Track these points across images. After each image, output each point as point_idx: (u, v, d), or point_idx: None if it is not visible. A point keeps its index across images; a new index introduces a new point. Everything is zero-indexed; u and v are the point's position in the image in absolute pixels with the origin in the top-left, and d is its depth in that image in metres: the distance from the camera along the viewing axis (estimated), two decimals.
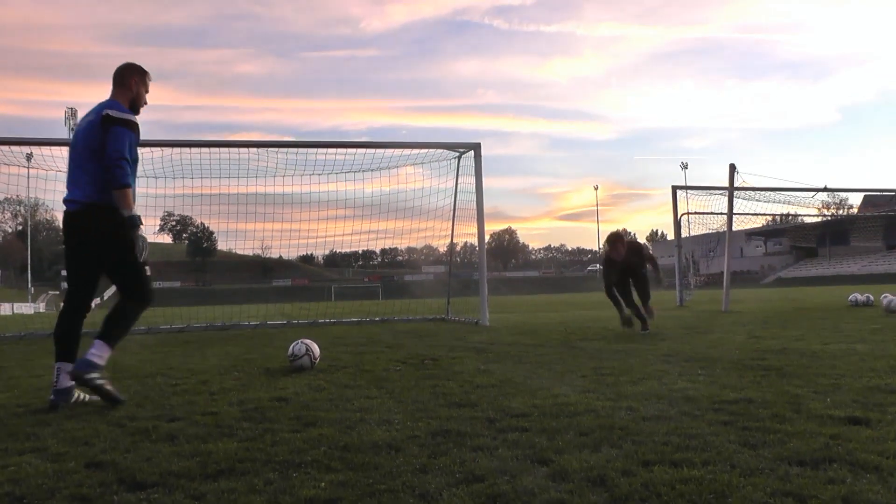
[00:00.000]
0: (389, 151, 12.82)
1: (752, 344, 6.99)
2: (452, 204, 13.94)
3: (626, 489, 2.41)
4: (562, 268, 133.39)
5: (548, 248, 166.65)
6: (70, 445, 3.22)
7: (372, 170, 13.35)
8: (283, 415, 3.80)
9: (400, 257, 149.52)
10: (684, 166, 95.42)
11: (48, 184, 11.84)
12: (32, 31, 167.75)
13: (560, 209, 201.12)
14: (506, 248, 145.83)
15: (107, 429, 3.56)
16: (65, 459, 2.98)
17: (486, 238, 12.79)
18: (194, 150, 11.97)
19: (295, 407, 4.02)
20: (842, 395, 3.89)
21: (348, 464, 2.80)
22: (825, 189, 17.32)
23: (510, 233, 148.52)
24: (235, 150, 12.17)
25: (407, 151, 12.92)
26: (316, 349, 5.91)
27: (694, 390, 4.20)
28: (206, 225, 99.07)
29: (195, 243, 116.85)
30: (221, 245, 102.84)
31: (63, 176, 4.71)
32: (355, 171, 13.31)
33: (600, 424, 3.34)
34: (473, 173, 12.52)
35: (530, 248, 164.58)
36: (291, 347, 5.92)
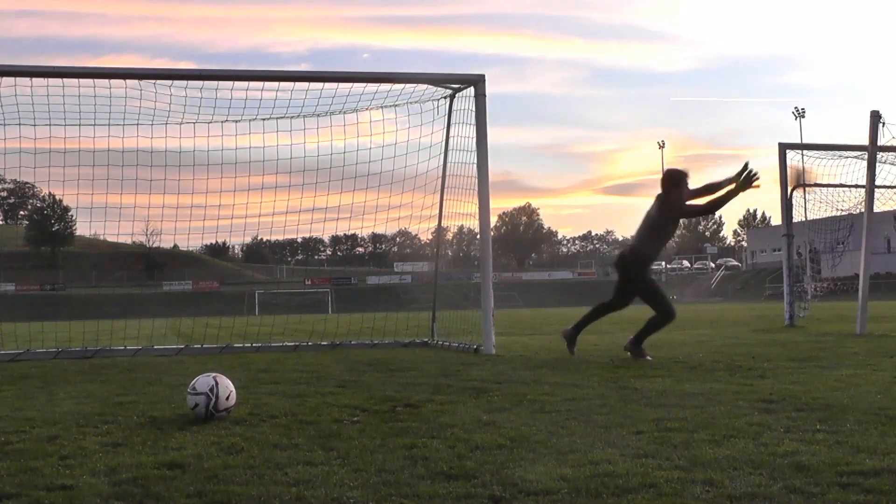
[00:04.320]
0: (344, 87, 12.77)
1: None
2: (441, 168, 13.94)
3: None
4: (608, 266, 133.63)
5: (587, 237, 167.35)
6: None
7: (318, 115, 13.31)
8: (178, 490, 3.79)
9: (361, 249, 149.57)
10: (798, 114, 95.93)
11: None
12: None
13: (605, 177, 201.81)
14: (523, 235, 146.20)
15: None
16: None
17: (493, 220, 12.79)
18: (37, 80, 11.88)
19: (195, 478, 4.02)
20: None
21: None
22: None
23: (529, 212, 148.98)
24: (103, 81, 12.09)
25: (371, 87, 12.88)
26: (226, 389, 5.89)
27: (810, 455, 4.23)
28: (56, 197, 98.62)
29: (39, 225, 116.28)
30: (82, 228, 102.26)
31: None
32: (291, 118, 13.27)
33: None
34: (473, 121, 12.51)
35: (560, 235, 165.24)
36: (193, 382, 5.91)
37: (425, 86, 13.05)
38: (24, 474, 4.17)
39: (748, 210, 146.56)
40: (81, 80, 11.96)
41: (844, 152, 18.83)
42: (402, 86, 12.93)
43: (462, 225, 15.67)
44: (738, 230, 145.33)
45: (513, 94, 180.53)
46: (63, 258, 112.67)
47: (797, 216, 21.23)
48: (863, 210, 16.32)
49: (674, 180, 10.51)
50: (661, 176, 10.78)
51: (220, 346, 13.78)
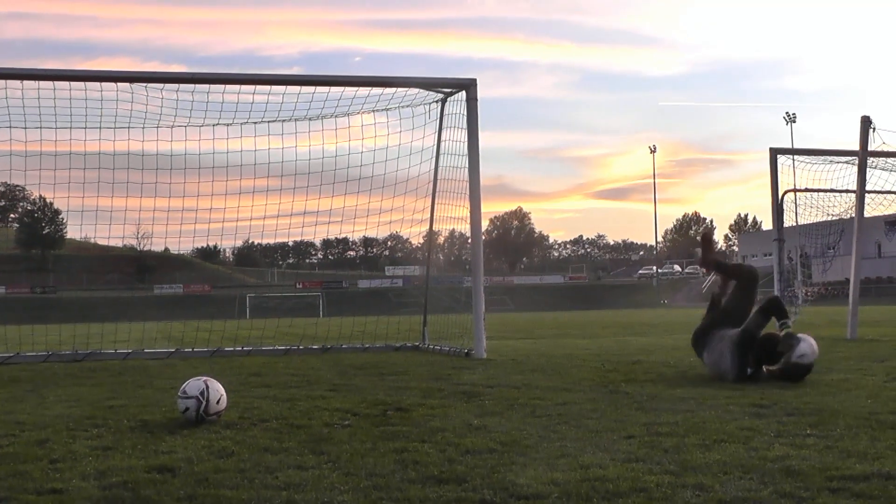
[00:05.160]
0: (336, 91, 12.79)
1: (893, 390, 7.06)
2: (432, 172, 13.95)
3: None
4: (599, 270, 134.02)
5: (578, 241, 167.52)
6: None
7: (309, 118, 13.32)
8: (168, 494, 3.79)
9: (352, 252, 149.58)
10: (790, 119, 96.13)
11: None
12: None
13: (597, 182, 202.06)
14: (514, 239, 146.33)
15: None
16: None
17: (485, 224, 12.84)
18: (28, 83, 11.86)
19: (186, 482, 4.02)
20: None
21: None
22: None
23: (520, 216, 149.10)
24: (94, 84, 12.08)
25: (363, 91, 12.91)
26: (217, 393, 5.89)
27: (800, 460, 4.25)
28: (47, 200, 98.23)
29: (30, 228, 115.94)
30: (73, 231, 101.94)
31: None
32: (283, 121, 13.27)
33: None
34: (464, 125, 12.53)
35: (551, 239, 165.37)
36: (184, 385, 5.91)
37: (417, 90, 13.07)
38: (14, 478, 4.16)
39: (739, 214, 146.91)
40: (73, 82, 11.96)
41: (835, 157, 18.88)
42: (393, 90, 12.96)
43: (453, 229, 15.73)
44: (730, 235, 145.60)
45: (504, 97, 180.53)
46: (54, 261, 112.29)
47: (788, 221, 21.29)
48: (853, 215, 16.38)
49: None
50: None
51: (210, 349, 13.77)
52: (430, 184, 13.99)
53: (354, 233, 15.60)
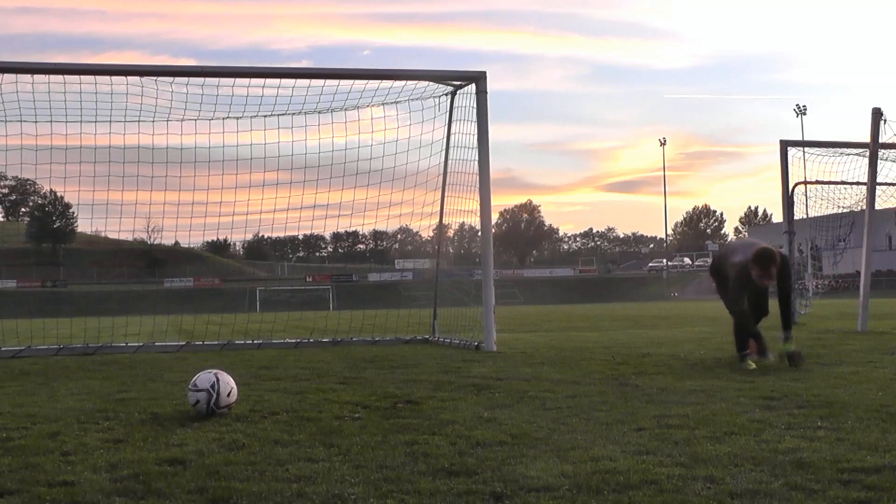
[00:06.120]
0: (345, 84, 12.78)
1: None
2: (442, 165, 13.95)
3: None
4: (609, 263, 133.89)
5: (588, 234, 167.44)
6: None
7: (319, 112, 13.33)
8: (179, 486, 3.80)
9: (362, 246, 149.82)
10: (800, 111, 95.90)
11: None
12: None
13: (607, 174, 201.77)
14: (524, 232, 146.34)
15: None
16: None
17: (495, 218, 12.86)
18: (38, 77, 11.88)
19: (197, 474, 4.03)
20: None
21: None
22: None
23: (530, 209, 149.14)
24: (104, 78, 12.11)
25: (372, 84, 12.90)
26: (227, 386, 5.90)
27: (811, 452, 4.25)
28: (57, 194, 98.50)
29: (41, 222, 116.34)
30: (83, 225, 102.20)
31: None
32: (292, 114, 13.28)
33: (665, 502, 3.36)
34: (474, 118, 12.52)
35: (561, 232, 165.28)
36: (195, 378, 5.93)
37: (426, 83, 13.07)
38: (26, 470, 4.18)
39: (749, 207, 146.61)
40: (82, 76, 11.98)
41: (846, 149, 18.84)
42: (403, 83, 12.95)
43: (463, 222, 15.77)
44: (740, 227, 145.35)
45: (514, 91, 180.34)
46: (64, 255, 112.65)
47: (799, 213, 21.27)
48: (864, 207, 16.34)
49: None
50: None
51: (221, 342, 13.79)
52: (439, 177, 14.01)
53: (364, 226, 15.64)
